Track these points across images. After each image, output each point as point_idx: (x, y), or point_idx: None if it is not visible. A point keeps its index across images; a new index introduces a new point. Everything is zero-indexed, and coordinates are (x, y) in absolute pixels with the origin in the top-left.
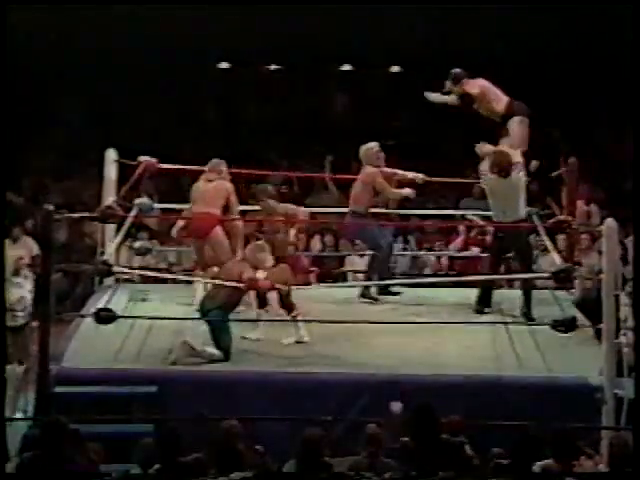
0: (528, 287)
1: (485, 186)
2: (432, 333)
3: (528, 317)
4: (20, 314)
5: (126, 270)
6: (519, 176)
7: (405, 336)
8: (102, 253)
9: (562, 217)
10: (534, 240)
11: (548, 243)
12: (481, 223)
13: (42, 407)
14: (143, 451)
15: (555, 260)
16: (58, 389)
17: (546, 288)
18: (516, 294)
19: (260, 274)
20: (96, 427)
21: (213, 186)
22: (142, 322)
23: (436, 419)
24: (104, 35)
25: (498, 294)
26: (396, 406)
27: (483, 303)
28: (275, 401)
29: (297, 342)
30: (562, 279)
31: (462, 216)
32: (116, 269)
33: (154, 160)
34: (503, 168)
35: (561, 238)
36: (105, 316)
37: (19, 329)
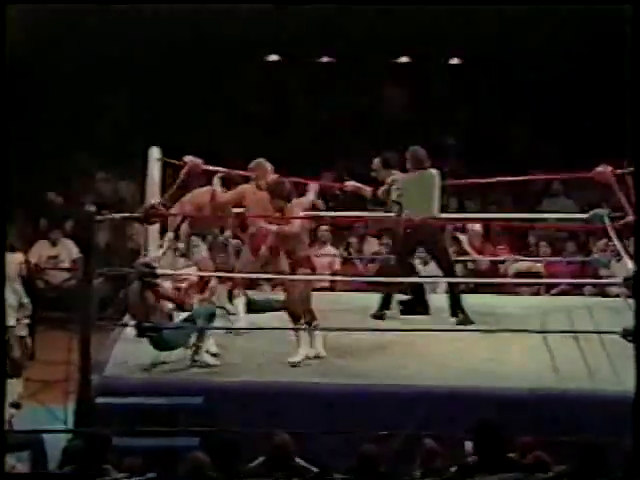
0: (454, 291)
1: (397, 183)
2: (491, 342)
3: (461, 321)
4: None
5: (170, 273)
6: (434, 172)
7: (462, 345)
8: (145, 256)
9: (631, 219)
10: (604, 244)
11: (619, 247)
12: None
13: (82, 419)
14: (190, 465)
15: (628, 265)
16: (99, 400)
17: (618, 295)
18: (586, 300)
19: None
20: (139, 440)
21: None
22: None
23: (500, 436)
24: (147, 29)
25: (565, 300)
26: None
27: (383, 307)
28: (326, 414)
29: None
30: (634, 286)
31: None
32: (160, 272)
33: (199, 160)
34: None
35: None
36: (147, 327)
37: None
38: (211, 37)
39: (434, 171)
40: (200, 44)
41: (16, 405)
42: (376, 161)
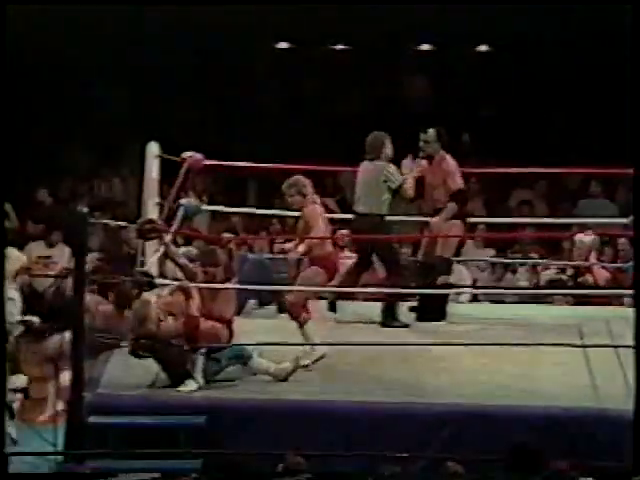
0: (390, 298)
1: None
2: (522, 356)
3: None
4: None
5: (170, 282)
6: (386, 163)
7: (491, 359)
8: (142, 263)
9: None
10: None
11: None
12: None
13: (74, 440)
14: None
15: None
16: (92, 419)
17: None
18: (626, 311)
19: None
20: (135, 463)
21: None
22: None
23: (536, 461)
24: (142, 17)
25: (604, 311)
26: None
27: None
28: (341, 434)
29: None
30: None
31: None
32: (158, 281)
33: (199, 156)
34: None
35: None
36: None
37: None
38: (212, 22)
39: (389, 166)
40: (201, 30)
41: None
42: (431, 132)
